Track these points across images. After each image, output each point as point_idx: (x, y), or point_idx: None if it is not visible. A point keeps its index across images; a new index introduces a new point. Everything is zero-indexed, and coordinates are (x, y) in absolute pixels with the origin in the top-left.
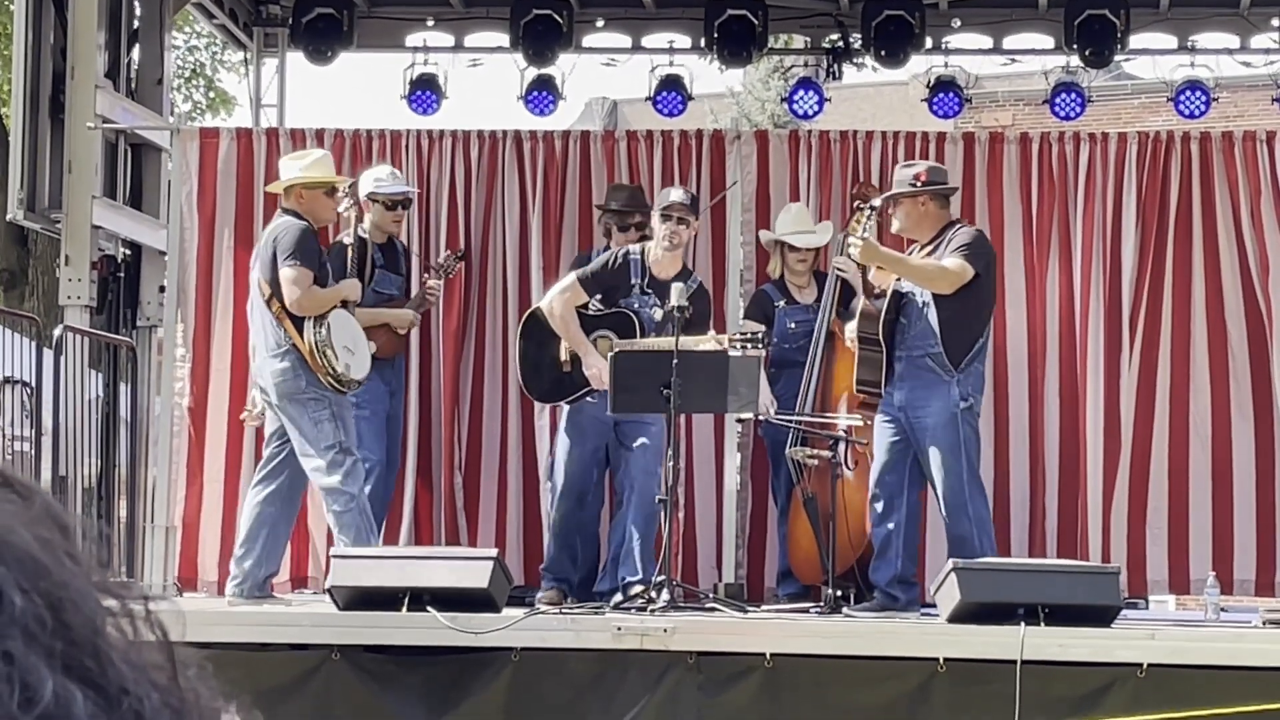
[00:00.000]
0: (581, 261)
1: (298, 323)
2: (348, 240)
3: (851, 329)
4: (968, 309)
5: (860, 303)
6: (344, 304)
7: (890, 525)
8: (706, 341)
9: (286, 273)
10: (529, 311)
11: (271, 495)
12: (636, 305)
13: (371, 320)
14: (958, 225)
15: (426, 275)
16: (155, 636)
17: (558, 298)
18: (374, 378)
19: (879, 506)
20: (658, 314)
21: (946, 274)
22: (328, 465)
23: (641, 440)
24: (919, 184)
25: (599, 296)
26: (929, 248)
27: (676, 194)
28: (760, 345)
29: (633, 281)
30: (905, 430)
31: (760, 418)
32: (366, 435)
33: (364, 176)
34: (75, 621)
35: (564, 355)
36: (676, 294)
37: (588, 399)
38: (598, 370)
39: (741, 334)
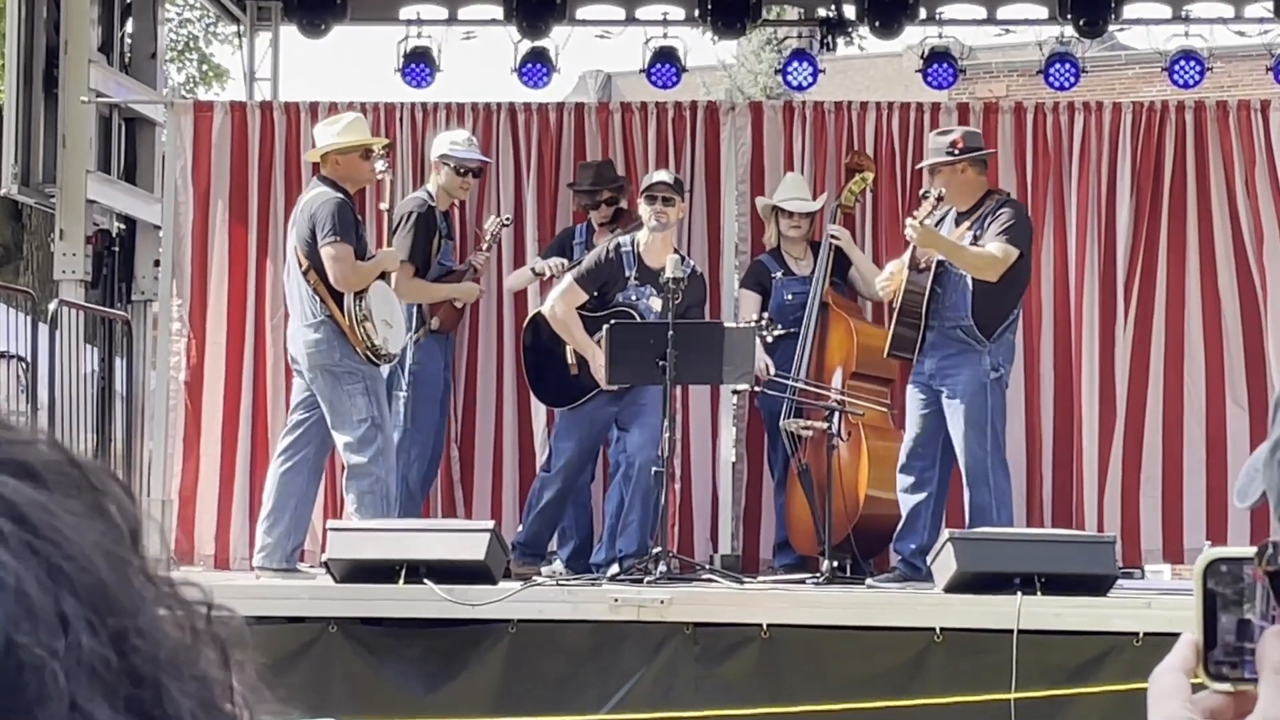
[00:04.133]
0: (564, 239)
1: (336, 295)
2: (384, 206)
3: (890, 272)
4: (1003, 283)
5: (905, 275)
6: (381, 275)
7: (921, 497)
8: None
9: (328, 251)
10: (528, 319)
11: (299, 465)
12: (634, 298)
13: (444, 295)
14: (999, 199)
15: (479, 245)
16: (214, 648)
17: (559, 301)
18: (435, 355)
19: (911, 478)
20: (656, 304)
21: (996, 263)
22: (358, 441)
23: (640, 420)
24: (957, 151)
25: (597, 294)
26: (969, 218)
27: (661, 174)
28: (765, 331)
29: (626, 274)
30: (936, 400)
31: (756, 388)
32: (421, 417)
33: (439, 138)
34: (140, 660)
35: (571, 359)
36: (671, 266)
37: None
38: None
39: (745, 324)
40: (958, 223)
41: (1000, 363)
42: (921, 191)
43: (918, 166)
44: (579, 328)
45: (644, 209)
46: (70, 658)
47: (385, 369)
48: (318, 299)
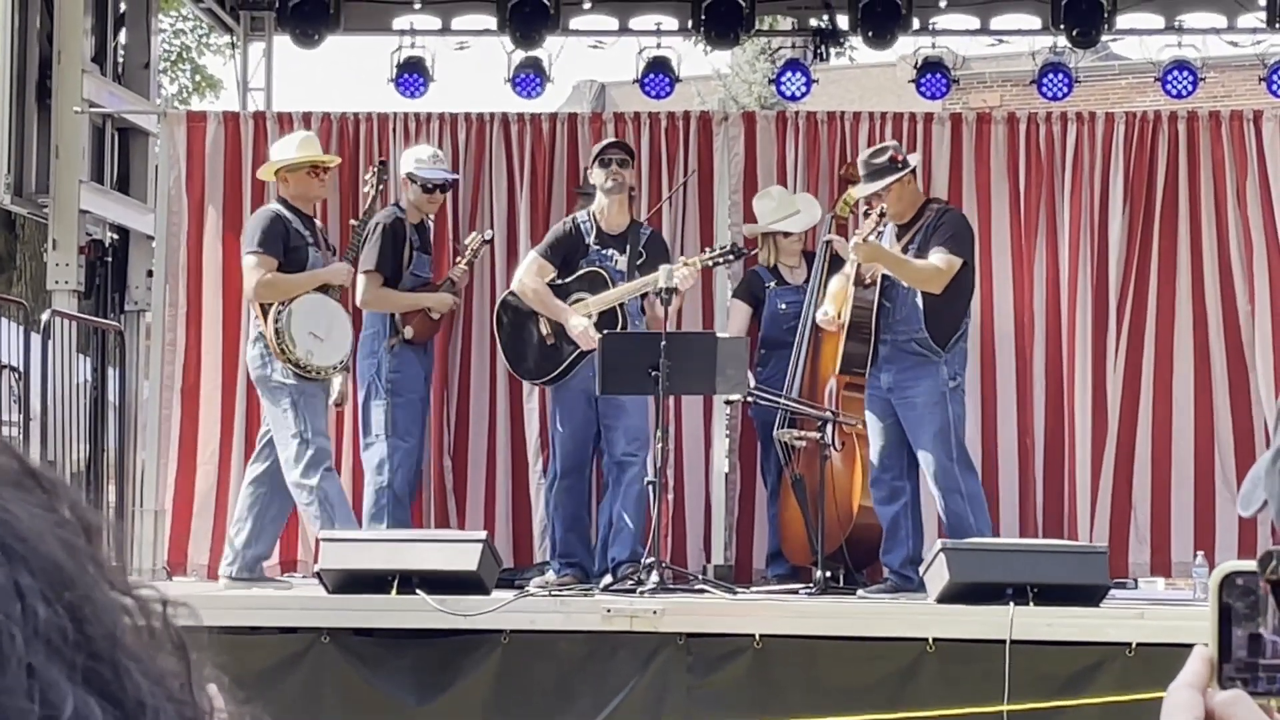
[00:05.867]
0: None
1: (266, 309)
2: (354, 222)
3: (828, 311)
4: (952, 293)
5: (851, 291)
6: (327, 289)
7: (897, 508)
8: (677, 269)
9: (245, 261)
10: (499, 303)
11: (261, 476)
12: (597, 261)
13: (414, 304)
14: (939, 209)
15: (457, 259)
16: (172, 643)
17: (526, 275)
18: (411, 364)
19: (883, 491)
20: (620, 263)
21: (940, 274)
22: (291, 458)
23: (623, 422)
24: (901, 164)
25: (561, 265)
26: (909, 231)
27: (611, 139)
28: (734, 258)
29: (586, 241)
30: (894, 411)
31: (748, 398)
32: (402, 421)
33: (405, 155)
34: (96, 633)
35: (546, 329)
36: (664, 276)
37: (571, 375)
38: (582, 328)
39: (716, 252)
40: (899, 237)
41: (957, 371)
42: (863, 210)
43: (862, 194)
44: (549, 295)
45: (597, 173)
46: (27, 626)
47: (386, 383)
48: (253, 313)
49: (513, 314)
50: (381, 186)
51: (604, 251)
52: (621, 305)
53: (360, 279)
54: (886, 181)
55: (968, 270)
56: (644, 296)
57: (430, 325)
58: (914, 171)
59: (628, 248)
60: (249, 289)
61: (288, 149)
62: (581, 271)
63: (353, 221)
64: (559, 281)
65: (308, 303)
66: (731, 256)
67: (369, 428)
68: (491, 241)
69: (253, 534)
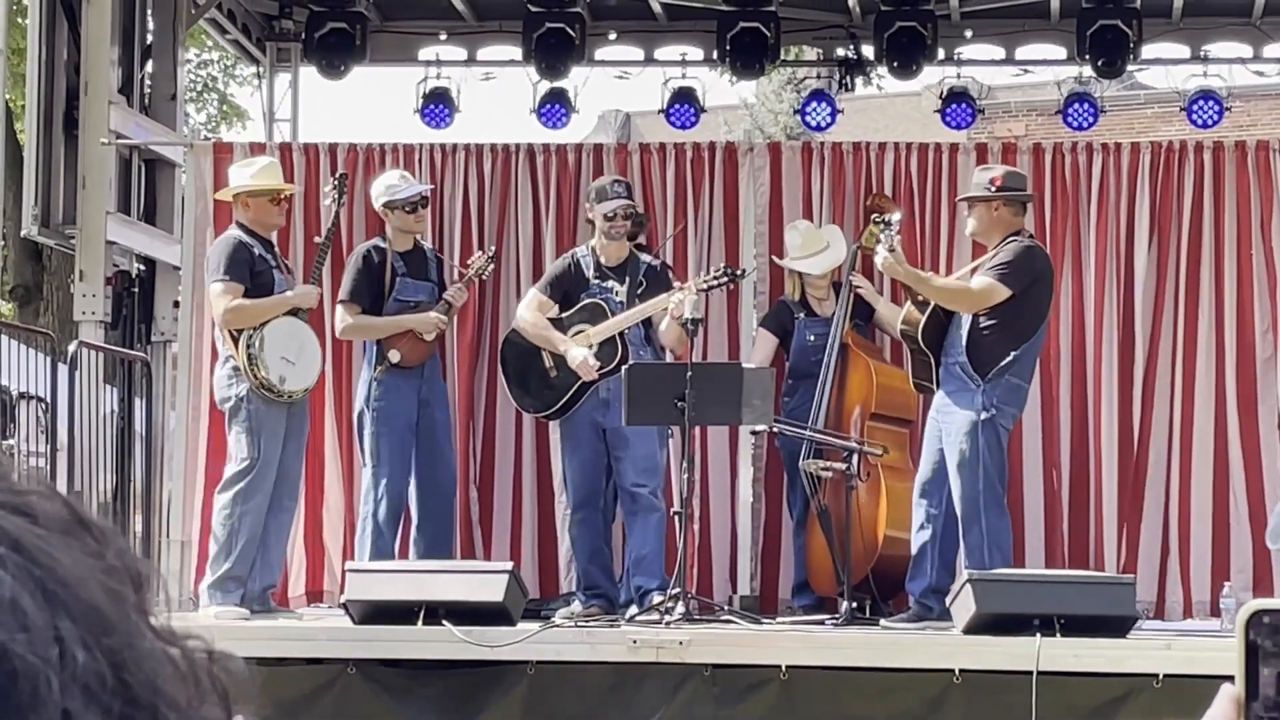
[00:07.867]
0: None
1: (237, 335)
2: (318, 240)
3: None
4: (999, 323)
5: (906, 306)
6: (296, 312)
7: (926, 536)
8: (675, 294)
9: (213, 288)
10: (502, 341)
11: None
12: (597, 293)
13: (394, 327)
14: (1012, 238)
15: (453, 278)
16: (217, 694)
17: (527, 312)
18: (399, 391)
19: (920, 516)
20: (620, 293)
21: (969, 295)
22: (228, 480)
23: (630, 451)
24: (994, 189)
25: (561, 301)
26: (991, 254)
27: (612, 188)
28: (730, 281)
29: (586, 275)
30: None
31: (774, 429)
32: (385, 451)
33: (375, 186)
34: (136, 681)
35: (549, 363)
36: (690, 306)
37: (576, 408)
38: (582, 358)
39: (712, 275)
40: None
41: (994, 403)
42: (885, 217)
43: (956, 199)
44: (549, 328)
45: (601, 222)
46: (65, 672)
47: (372, 411)
48: (224, 337)
49: (516, 350)
50: (343, 200)
51: (604, 284)
52: (622, 335)
53: (337, 310)
54: (965, 196)
55: (1022, 302)
56: (648, 325)
57: (422, 347)
58: (1014, 204)
59: (627, 278)
60: (217, 316)
61: (247, 175)
62: (582, 304)
63: (316, 239)
64: (560, 315)
65: (278, 327)
66: (726, 279)
67: (363, 454)
68: (495, 261)
69: (262, 566)
